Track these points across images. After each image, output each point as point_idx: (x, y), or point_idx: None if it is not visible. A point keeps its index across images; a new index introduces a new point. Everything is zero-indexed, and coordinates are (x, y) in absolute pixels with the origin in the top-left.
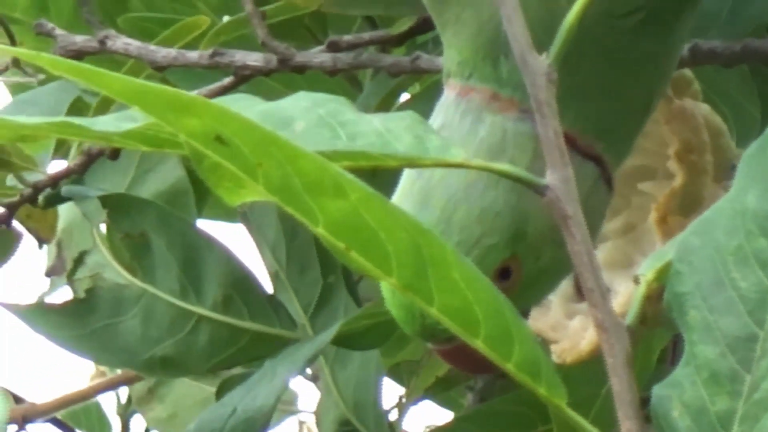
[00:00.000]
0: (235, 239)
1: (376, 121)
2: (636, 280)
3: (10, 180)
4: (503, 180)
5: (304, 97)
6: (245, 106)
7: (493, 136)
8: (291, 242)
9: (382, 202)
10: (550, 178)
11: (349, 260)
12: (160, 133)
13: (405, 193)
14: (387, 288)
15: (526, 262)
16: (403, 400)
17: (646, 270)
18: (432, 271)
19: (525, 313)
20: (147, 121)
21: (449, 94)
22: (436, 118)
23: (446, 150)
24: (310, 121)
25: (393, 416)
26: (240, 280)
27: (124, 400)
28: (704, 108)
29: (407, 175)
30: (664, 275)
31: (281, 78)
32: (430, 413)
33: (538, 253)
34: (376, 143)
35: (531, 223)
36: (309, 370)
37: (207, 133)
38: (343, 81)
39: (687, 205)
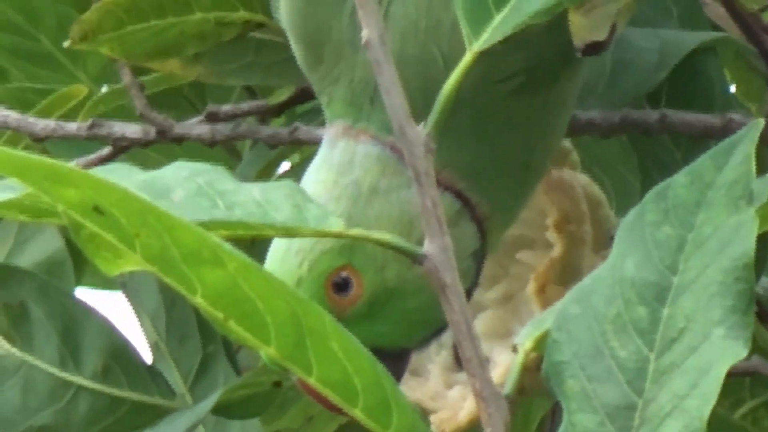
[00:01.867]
0: (115, 308)
1: (255, 190)
2: (514, 349)
3: None
4: (346, 192)
5: (183, 166)
6: (123, 175)
7: (344, 157)
8: (170, 312)
9: (261, 272)
10: (428, 247)
11: (227, 330)
12: (39, 203)
13: None
14: None
15: (366, 273)
16: None
17: (524, 339)
18: (311, 342)
19: (407, 357)
20: (25, 191)
21: (325, 135)
22: (314, 159)
23: (325, 219)
24: (188, 190)
25: None
26: (119, 349)
27: None
28: (583, 178)
29: None
30: (542, 344)
31: (160, 149)
32: None
33: (379, 266)
34: (255, 213)
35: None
36: None
37: (85, 203)
38: (222, 151)
39: (566, 275)
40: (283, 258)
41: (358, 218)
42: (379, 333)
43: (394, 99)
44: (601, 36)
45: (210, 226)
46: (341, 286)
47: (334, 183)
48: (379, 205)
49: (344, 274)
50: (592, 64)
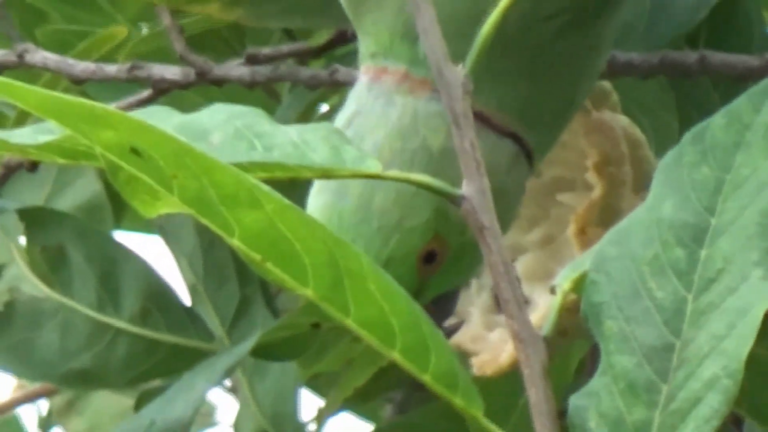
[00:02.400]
0: (153, 251)
1: (293, 132)
2: (552, 291)
3: None
4: (417, 158)
5: (221, 109)
6: (161, 118)
7: (405, 119)
8: (208, 254)
9: (298, 213)
10: (466, 189)
11: (265, 272)
12: (77, 146)
13: (321, 186)
14: None
15: (451, 240)
16: (322, 411)
17: (563, 280)
18: (348, 283)
19: (455, 295)
20: (63, 133)
21: (362, 80)
22: (350, 106)
23: (362, 161)
24: (226, 133)
25: (312, 428)
26: (158, 292)
27: (44, 413)
28: (622, 120)
29: None
30: (580, 285)
31: (200, 91)
32: (349, 425)
33: (462, 228)
34: (293, 154)
35: None
36: (228, 382)
37: (122, 145)
38: (261, 94)
39: (606, 216)
40: (363, 235)
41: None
42: (450, 282)
43: (432, 40)
44: None
45: (248, 167)
46: (430, 258)
47: (402, 149)
48: (455, 166)
49: (432, 246)
50: (632, 5)
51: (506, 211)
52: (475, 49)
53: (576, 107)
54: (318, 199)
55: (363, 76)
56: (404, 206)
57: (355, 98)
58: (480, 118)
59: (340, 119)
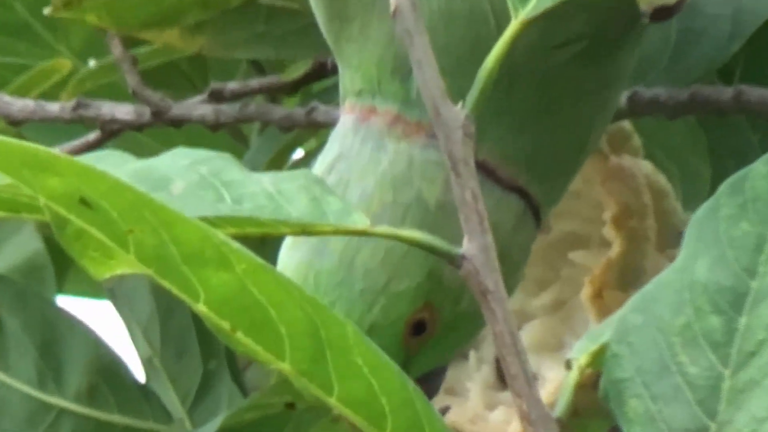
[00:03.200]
0: (102, 319)
1: (266, 181)
2: (567, 365)
3: None
4: (410, 214)
5: (183, 153)
6: (113, 164)
7: (398, 166)
8: (166, 322)
9: (274, 274)
10: (467, 247)
11: (234, 343)
12: (17, 196)
13: (296, 241)
14: None
15: (444, 309)
16: None
17: (579, 353)
18: (332, 355)
19: (442, 370)
20: (1, 181)
21: (346, 120)
22: (332, 149)
23: (347, 215)
24: (189, 181)
25: None
26: (107, 366)
27: None
28: (645, 166)
29: None
30: (599, 359)
31: (156, 133)
32: None
33: (457, 298)
34: (267, 207)
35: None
36: None
37: (70, 194)
38: (226, 137)
39: (626, 278)
40: (343, 299)
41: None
42: (439, 358)
43: (427, 74)
44: None
45: (215, 222)
46: (418, 329)
47: (393, 203)
48: (454, 223)
49: (422, 315)
50: (653, 34)
51: (510, 276)
52: (478, 86)
53: (589, 152)
54: (292, 255)
55: (347, 114)
56: (393, 267)
57: (339, 140)
58: (483, 168)
59: (321, 164)
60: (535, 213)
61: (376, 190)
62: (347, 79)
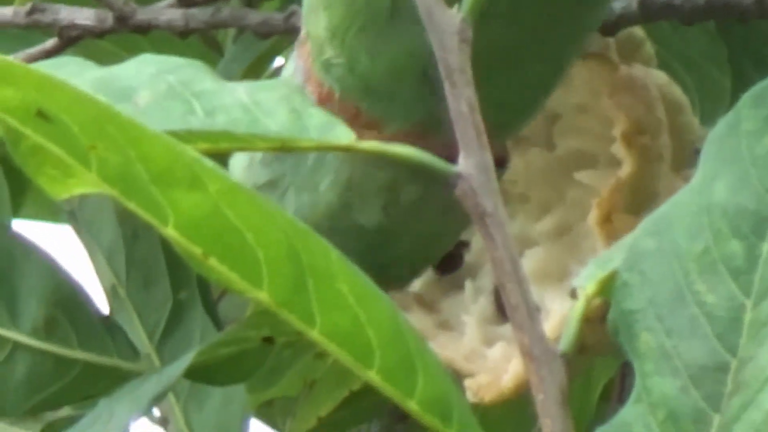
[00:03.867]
0: (61, 245)
1: (242, 91)
2: (573, 295)
3: None
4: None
5: (149, 61)
6: (73, 72)
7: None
8: (132, 248)
9: (250, 195)
10: (463, 165)
11: (207, 270)
12: None
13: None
14: None
15: None
16: None
17: (586, 281)
18: (314, 283)
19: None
20: None
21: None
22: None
23: (330, 129)
24: (156, 91)
25: None
26: (66, 297)
27: None
28: (659, 76)
29: None
30: (608, 288)
31: (120, 41)
32: None
33: None
34: (242, 120)
35: None
36: (156, 411)
37: (26, 106)
38: (199, 44)
39: (637, 200)
40: None
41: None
42: None
43: None
44: None
45: (185, 137)
46: None
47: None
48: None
49: None
50: None
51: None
52: None
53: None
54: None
55: (300, 61)
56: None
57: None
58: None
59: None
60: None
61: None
62: (312, 34)
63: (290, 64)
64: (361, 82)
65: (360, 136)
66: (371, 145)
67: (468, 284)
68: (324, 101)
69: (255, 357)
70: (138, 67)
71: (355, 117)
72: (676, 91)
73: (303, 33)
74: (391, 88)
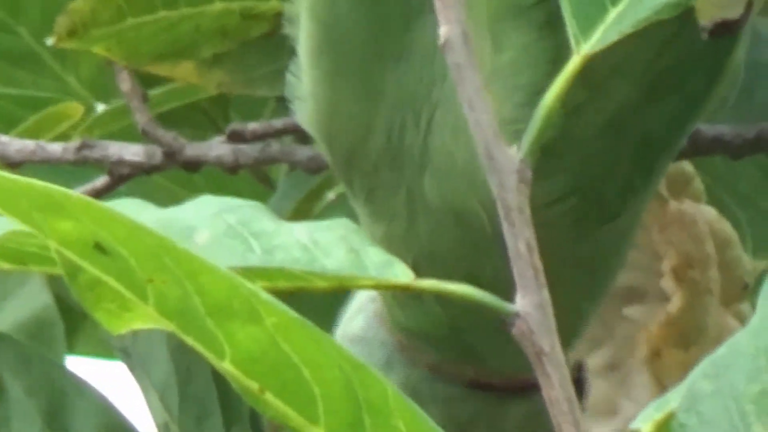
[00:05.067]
0: (114, 382)
1: (300, 231)
2: None
3: None
4: None
5: (209, 201)
6: (132, 212)
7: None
8: (185, 385)
9: (307, 329)
10: (521, 304)
11: (263, 405)
12: (25, 245)
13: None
14: None
15: None
16: None
17: (644, 422)
18: (370, 419)
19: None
20: (7, 229)
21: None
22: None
23: (389, 267)
24: (216, 231)
25: None
26: None
27: None
28: (708, 212)
29: None
30: (665, 429)
31: (173, 176)
32: None
33: None
34: (300, 259)
35: None
36: None
37: (84, 239)
38: (251, 180)
39: (687, 335)
40: None
41: None
42: None
43: (479, 113)
44: (734, 12)
45: (243, 274)
46: None
47: None
48: None
49: None
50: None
51: None
52: (535, 125)
53: (600, 302)
54: None
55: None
56: None
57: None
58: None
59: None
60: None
61: None
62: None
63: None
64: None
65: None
66: (429, 283)
67: None
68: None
69: None
70: (198, 207)
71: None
72: (726, 226)
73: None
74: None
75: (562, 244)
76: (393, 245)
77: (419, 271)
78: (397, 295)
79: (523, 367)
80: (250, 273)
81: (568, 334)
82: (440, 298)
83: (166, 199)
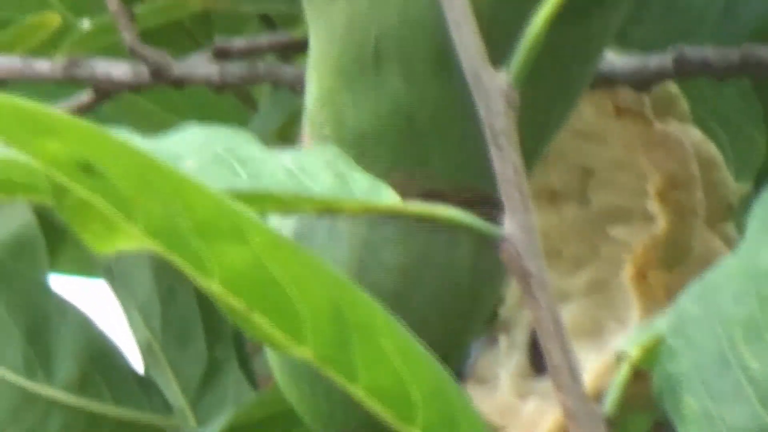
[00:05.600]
0: (96, 301)
1: (287, 157)
2: (618, 358)
3: None
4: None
5: (195, 131)
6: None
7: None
8: (168, 304)
9: (294, 249)
10: (508, 227)
11: (250, 325)
12: (11, 175)
13: None
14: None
15: None
16: None
17: (631, 345)
18: (357, 339)
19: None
20: None
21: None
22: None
23: (376, 192)
24: (203, 159)
25: None
26: (101, 353)
27: None
28: (693, 133)
29: None
30: (652, 353)
31: (154, 95)
32: None
33: None
34: (287, 183)
35: None
36: None
37: (72, 160)
38: (233, 99)
39: (672, 256)
40: None
41: None
42: None
43: (465, 36)
44: None
45: (230, 198)
46: None
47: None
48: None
49: None
50: None
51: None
52: (523, 48)
53: (559, 127)
54: None
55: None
56: None
57: None
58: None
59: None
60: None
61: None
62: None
63: None
64: (350, 136)
65: None
66: (417, 207)
67: (502, 339)
68: None
69: (292, 418)
70: (184, 138)
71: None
72: (711, 148)
73: (304, 127)
74: (377, 137)
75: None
76: (355, 27)
77: (382, 53)
78: (355, 89)
79: (476, 181)
80: (237, 197)
81: (534, 142)
82: (406, 80)
83: (146, 118)
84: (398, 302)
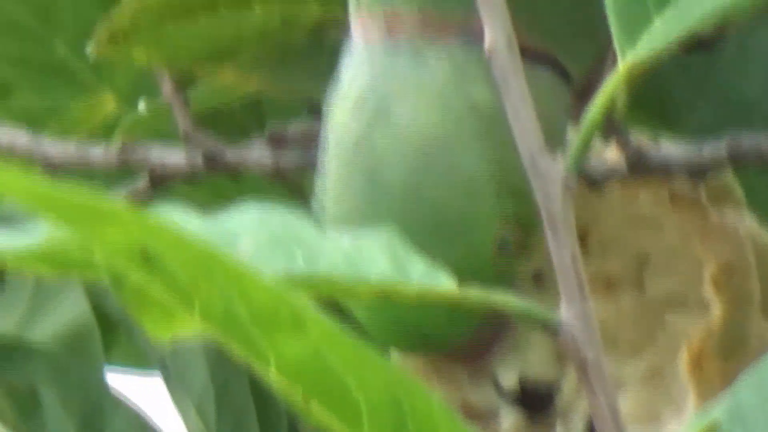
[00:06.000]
0: (149, 395)
1: (344, 239)
2: None
3: None
4: (465, 124)
5: (251, 209)
6: (176, 220)
7: (441, 76)
8: (222, 396)
9: (352, 341)
10: (565, 314)
11: (307, 414)
12: (71, 252)
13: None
14: None
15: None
16: None
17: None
18: (414, 428)
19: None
20: (51, 235)
21: (362, 38)
22: (355, 76)
23: (434, 276)
24: (259, 238)
25: None
26: None
27: None
28: (749, 221)
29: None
30: None
31: (205, 185)
32: None
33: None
34: (343, 267)
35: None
36: None
37: (131, 247)
38: (282, 189)
39: (728, 345)
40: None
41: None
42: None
43: (524, 123)
44: None
45: (287, 282)
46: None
47: (444, 118)
48: (505, 126)
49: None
50: (758, 75)
51: (555, 139)
52: (580, 137)
53: None
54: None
55: (364, 31)
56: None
57: (358, 65)
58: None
59: (346, 99)
60: (565, 78)
61: (422, 111)
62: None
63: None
64: None
65: (441, 35)
66: (474, 293)
67: (559, 426)
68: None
69: None
70: (240, 215)
71: (425, 22)
72: (766, 236)
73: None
74: None
75: None
76: None
77: None
78: None
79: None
80: (294, 282)
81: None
82: None
83: (199, 206)
84: (493, 114)
